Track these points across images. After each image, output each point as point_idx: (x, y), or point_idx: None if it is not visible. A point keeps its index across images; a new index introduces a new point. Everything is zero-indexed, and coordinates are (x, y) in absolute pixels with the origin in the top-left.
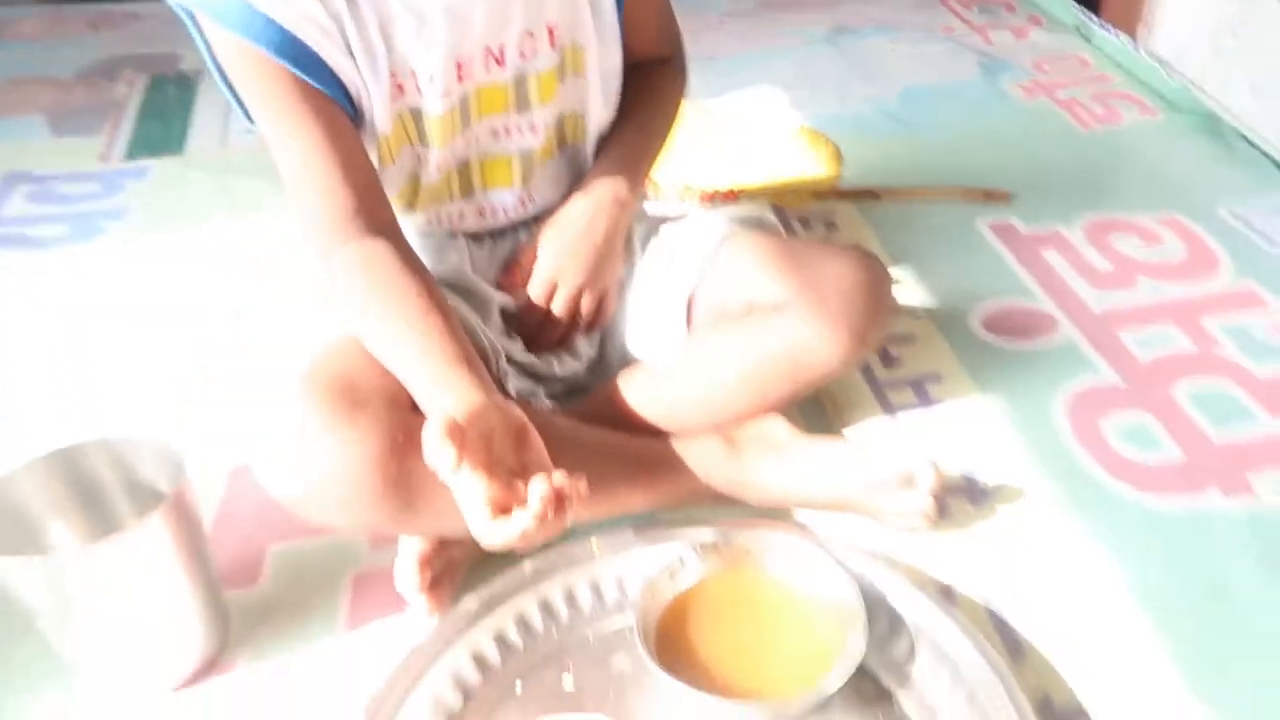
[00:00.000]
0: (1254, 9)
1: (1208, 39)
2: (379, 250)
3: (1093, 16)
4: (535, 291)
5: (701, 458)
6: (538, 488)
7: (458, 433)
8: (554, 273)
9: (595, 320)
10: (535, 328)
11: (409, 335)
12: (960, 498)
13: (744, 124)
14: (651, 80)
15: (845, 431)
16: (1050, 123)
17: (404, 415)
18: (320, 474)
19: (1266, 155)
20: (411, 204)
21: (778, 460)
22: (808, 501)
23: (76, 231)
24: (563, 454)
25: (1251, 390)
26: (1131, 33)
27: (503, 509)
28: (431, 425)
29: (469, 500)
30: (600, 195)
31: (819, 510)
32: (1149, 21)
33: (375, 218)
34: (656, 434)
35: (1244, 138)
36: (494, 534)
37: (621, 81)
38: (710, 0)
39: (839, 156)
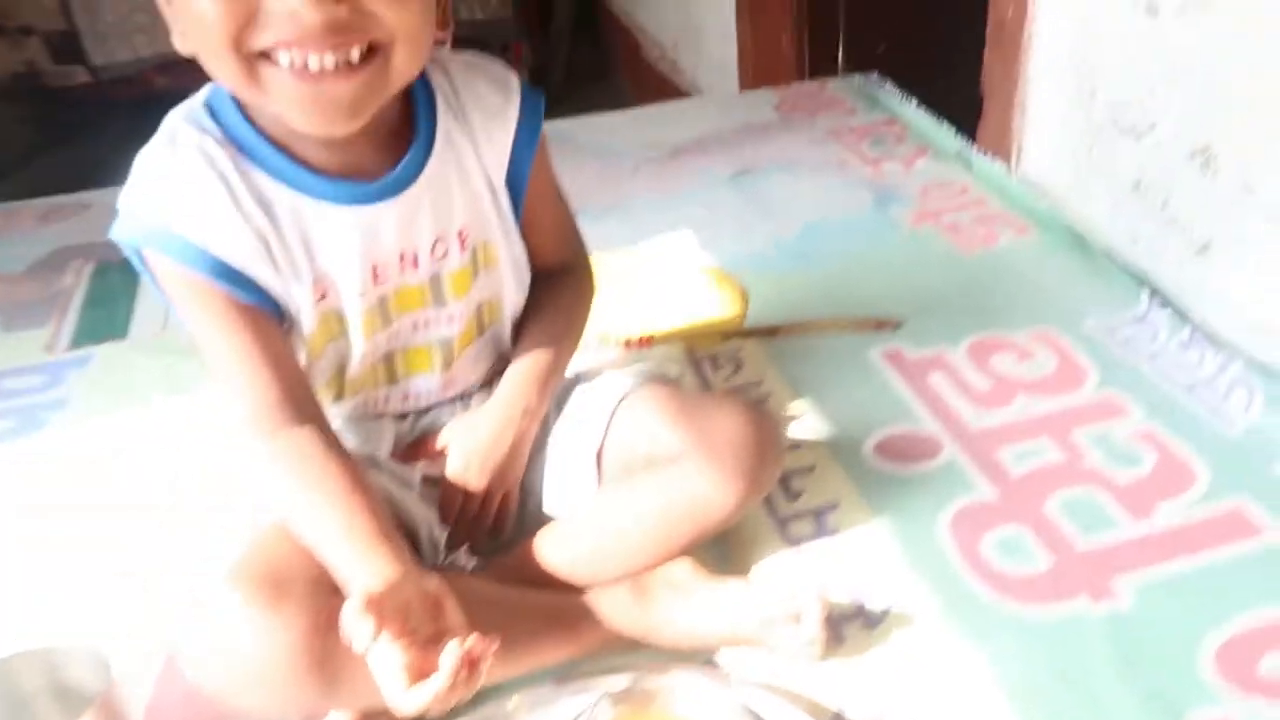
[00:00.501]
0: (1103, 137)
1: (1069, 163)
2: (304, 438)
3: (972, 144)
4: (443, 495)
5: (613, 606)
6: (449, 651)
7: (375, 606)
8: (459, 478)
9: (497, 520)
10: (450, 523)
11: (331, 515)
12: (855, 624)
13: (656, 269)
14: (559, 288)
15: (753, 566)
16: (935, 248)
17: (327, 598)
18: (245, 660)
19: (1125, 268)
20: (339, 393)
21: (682, 603)
22: (711, 640)
23: (21, 426)
24: (481, 616)
25: (1115, 495)
26: (1005, 160)
27: (418, 676)
28: (350, 601)
29: (384, 669)
30: (509, 407)
31: (723, 648)
32: (1019, 148)
33: (301, 409)
34: (572, 587)
35: (1107, 254)
36: (409, 700)
37: (531, 284)
38: (622, 151)
39: (744, 295)
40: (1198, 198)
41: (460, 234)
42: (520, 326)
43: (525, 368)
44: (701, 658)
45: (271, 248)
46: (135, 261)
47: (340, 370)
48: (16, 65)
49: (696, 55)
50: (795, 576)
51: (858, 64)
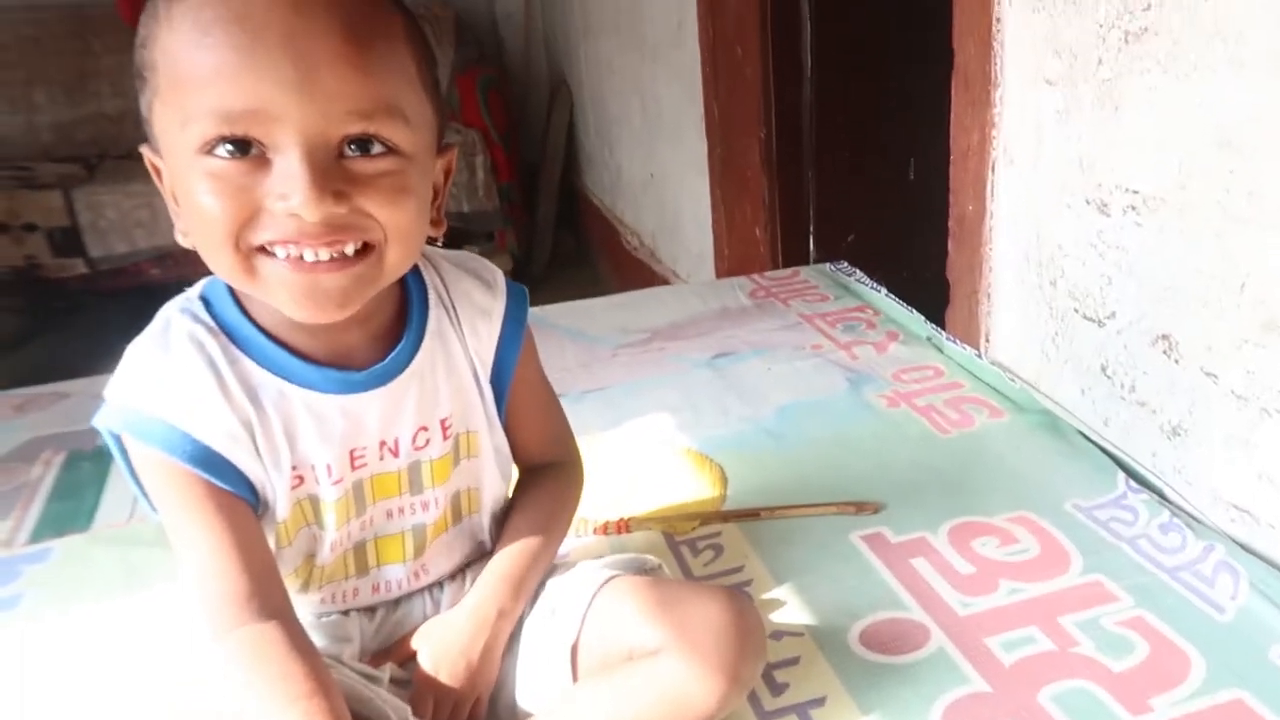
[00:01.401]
0: (1067, 324)
1: (1037, 349)
2: (269, 633)
3: (942, 330)
4: (415, 697)
5: None
6: None
7: None
8: (430, 682)
9: None
10: None
11: (290, 715)
12: None
13: (634, 452)
14: (545, 485)
15: None
16: (911, 429)
17: None
18: None
19: (1100, 449)
20: (307, 583)
21: None
22: None
23: None
24: None
25: (1109, 687)
26: (975, 345)
27: None
28: None
29: None
30: (483, 610)
31: None
32: (987, 333)
33: (268, 602)
34: None
35: (1081, 434)
36: None
37: (518, 479)
38: (600, 337)
39: (723, 477)
40: (1163, 382)
41: (443, 423)
42: (503, 522)
43: (503, 567)
44: None
45: (255, 434)
46: (113, 448)
47: (309, 559)
48: (16, 260)
49: (674, 245)
50: None
51: (828, 252)
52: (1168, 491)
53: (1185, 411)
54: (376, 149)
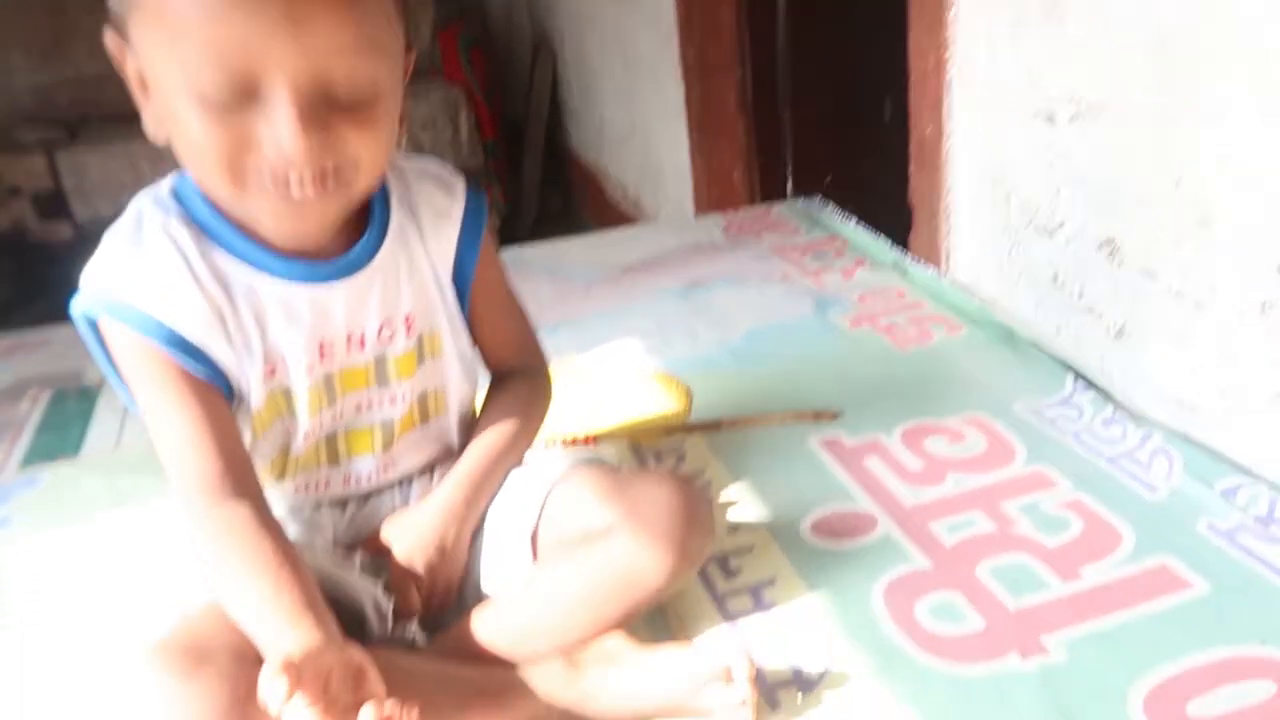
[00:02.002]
0: (1021, 237)
1: (994, 265)
2: (240, 513)
3: (906, 253)
4: (393, 583)
5: (545, 680)
6: (365, 715)
7: (292, 671)
8: (405, 571)
9: (440, 606)
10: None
11: (258, 585)
12: (790, 689)
13: (602, 374)
14: (513, 389)
15: (691, 641)
16: (872, 347)
17: (249, 671)
18: None
19: (1053, 357)
20: (282, 473)
21: (615, 674)
22: (644, 707)
23: None
24: (406, 688)
25: (1044, 559)
26: (936, 264)
27: None
28: (268, 664)
29: None
30: (452, 502)
31: (657, 715)
32: (948, 253)
33: (240, 484)
34: (509, 664)
35: (1034, 345)
36: None
37: (490, 384)
38: (577, 272)
39: (688, 395)
40: (1108, 286)
41: (407, 319)
42: (473, 423)
43: (471, 464)
44: None
45: (227, 323)
46: (88, 336)
47: (284, 449)
48: (4, 223)
49: (656, 194)
50: (720, 641)
51: (806, 194)
52: (1113, 390)
53: (1127, 313)
54: (359, 85)
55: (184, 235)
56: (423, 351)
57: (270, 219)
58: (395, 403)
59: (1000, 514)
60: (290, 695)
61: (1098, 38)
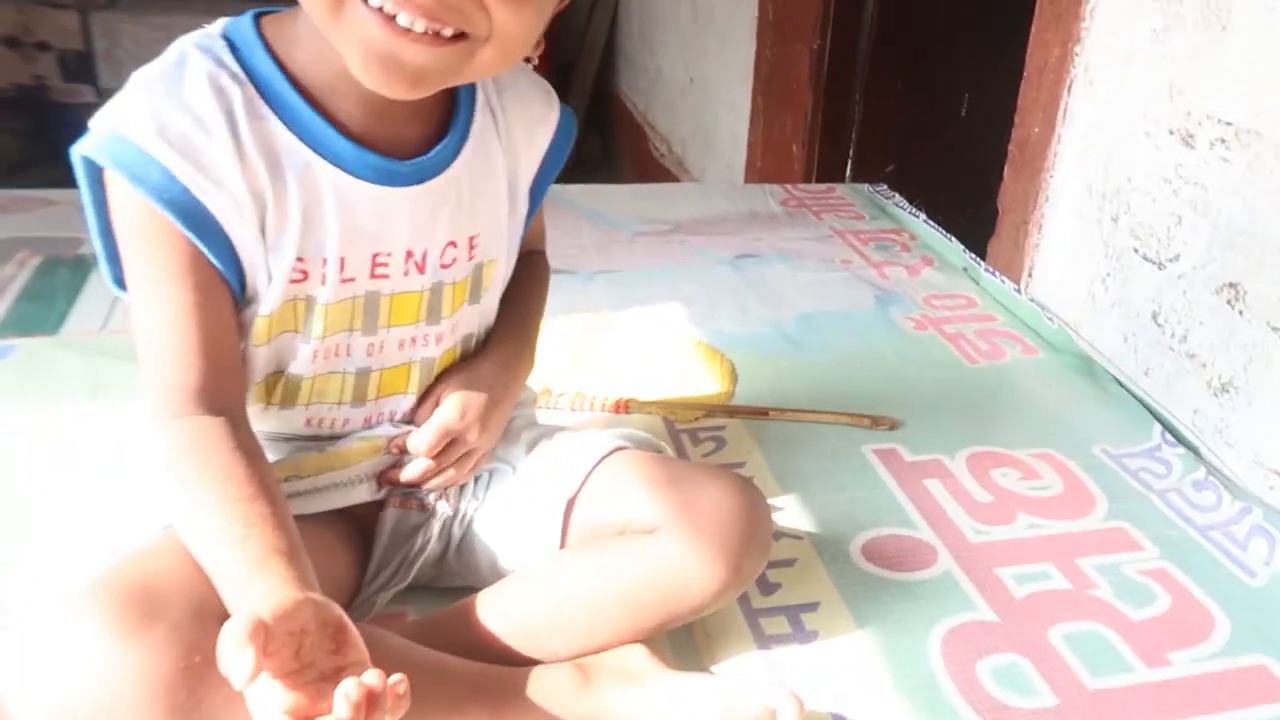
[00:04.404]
0: (1122, 264)
1: (1084, 289)
2: (214, 428)
3: (980, 261)
4: (428, 442)
5: (552, 688)
6: (344, 689)
7: (260, 632)
8: (455, 429)
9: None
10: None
11: (226, 519)
12: None
13: (641, 336)
14: (534, 268)
15: (714, 667)
16: (937, 353)
17: (208, 629)
18: (92, 700)
19: (1137, 398)
20: (285, 399)
21: (635, 693)
22: None
23: None
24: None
25: (1125, 634)
26: (1015, 279)
27: (304, 719)
28: (231, 624)
29: (264, 709)
30: (510, 364)
31: None
32: (1031, 270)
33: (220, 397)
34: (507, 660)
35: (1117, 381)
36: None
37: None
38: (623, 221)
39: (733, 374)
40: (1221, 335)
41: (471, 241)
42: (504, 293)
43: (516, 328)
44: None
45: (267, 209)
46: (84, 186)
47: (279, 371)
48: (25, 78)
49: (705, 154)
50: (762, 678)
51: (865, 180)
52: (1204, 451)
53: (1240, 368)
54: None
55: (235, 93)
56: (478, 281)
57: (360, 63)
58: (441, 340)
59: (1077, 571)
60: (255, 673)
61: (1265, 54)
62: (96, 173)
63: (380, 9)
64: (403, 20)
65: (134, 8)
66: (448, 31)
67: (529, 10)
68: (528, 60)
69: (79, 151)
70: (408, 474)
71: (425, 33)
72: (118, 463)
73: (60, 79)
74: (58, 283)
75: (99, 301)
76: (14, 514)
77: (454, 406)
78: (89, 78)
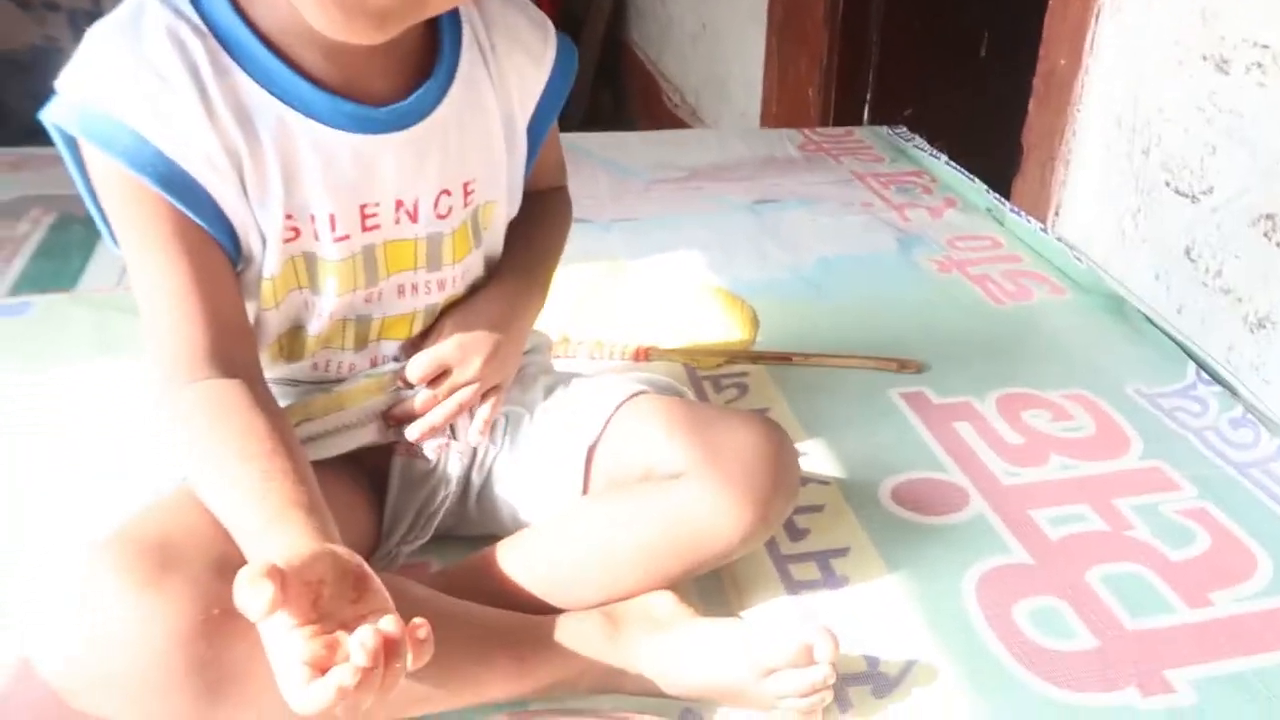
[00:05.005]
0: (1153, 198)
1: (1114, 226)
2: (230, 389)
3: (1005, 201)
4: (421, 369)
5: (580, 635)
6: (360, 636)
7: (276, 576)
8: (450, 358)
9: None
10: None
11: (245, 474)
12: (864, 689)
13: (660, 284)
14: (549, 204)
15: (743, 613)
16: (963, 296)
17: (229, 583)
18: (111, 652)
19: (1170, 337)
20: (290, 355)
21: (662, 639)
22: (692, 687)
23: None
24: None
25: (1165, 575)
26: (1042, 218)
27: (324, 669)
28: (246, 568)
29: (282, 659)
30: (516, 297)
31: (706, 700)
32: (1058, 208)
33: (233, 359)
34: (532, 609)
35: (1148, 319)
36: (309, 699)
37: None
38: (638, 169)
39: (754, 320)
40: (1258, 269)
41: (466, 187)
42: (514, 230)
43: (526, 263)
44: (678, 707)
45: (244, 166)
46: (65, 154)
47: (298, 329)
48: (37, 38)
49: (718, 102)
50: (794, 624)
51: (883, 123)
52: (1240, 388)
53: (1278, 302)
54: None
55: (197, 46)
56: (478, 227)
57: (318, 9)
58: (444, 287)
59: (1114, 512)
60: (272, 608)
61: None
62: (71, 135)
63: None
64: None
65: None
66: None
67: None
68: None
69: (47, 119)
70: (410, 408)
71: None
72: (118, 463)
73: (71, 39)
74: (72, 239)
75: (113, 258)
76: (14, 514)
77: (446, 333)
78: None
